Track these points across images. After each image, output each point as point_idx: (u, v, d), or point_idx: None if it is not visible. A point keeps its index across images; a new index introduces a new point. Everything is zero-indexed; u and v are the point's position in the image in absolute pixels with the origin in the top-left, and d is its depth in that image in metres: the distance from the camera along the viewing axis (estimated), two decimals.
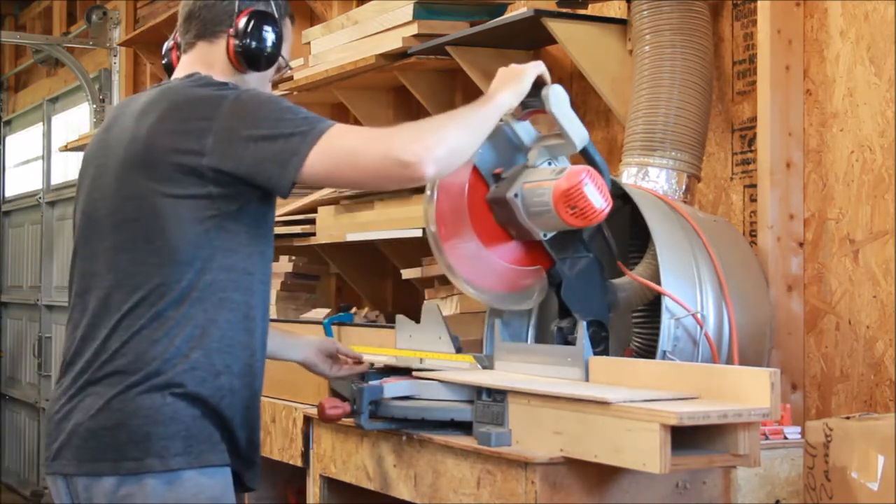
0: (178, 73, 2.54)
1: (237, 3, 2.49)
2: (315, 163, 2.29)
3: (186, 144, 2.33)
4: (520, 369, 2.74)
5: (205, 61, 2.51)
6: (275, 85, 2.81)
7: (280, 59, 2.55)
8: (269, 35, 2.50)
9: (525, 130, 2.75)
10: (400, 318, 3.14)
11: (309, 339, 2.87)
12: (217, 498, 2.36)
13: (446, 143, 2.32)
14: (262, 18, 2.49)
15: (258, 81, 2.54)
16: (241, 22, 2.48)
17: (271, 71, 2.57)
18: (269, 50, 2.50)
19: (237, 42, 2.48)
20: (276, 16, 2.52)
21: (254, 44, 2.48)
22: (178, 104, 2.39)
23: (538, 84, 2.57)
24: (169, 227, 2.34)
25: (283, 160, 2.29)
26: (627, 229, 2.99)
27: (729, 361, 2.80)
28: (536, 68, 2.57)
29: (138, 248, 2.37)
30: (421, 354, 3.05)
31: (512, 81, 2.53)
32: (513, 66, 2.58)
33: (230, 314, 2.39)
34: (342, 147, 2.29)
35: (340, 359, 2.85)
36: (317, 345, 2.85)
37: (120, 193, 2.40)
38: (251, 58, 2.49)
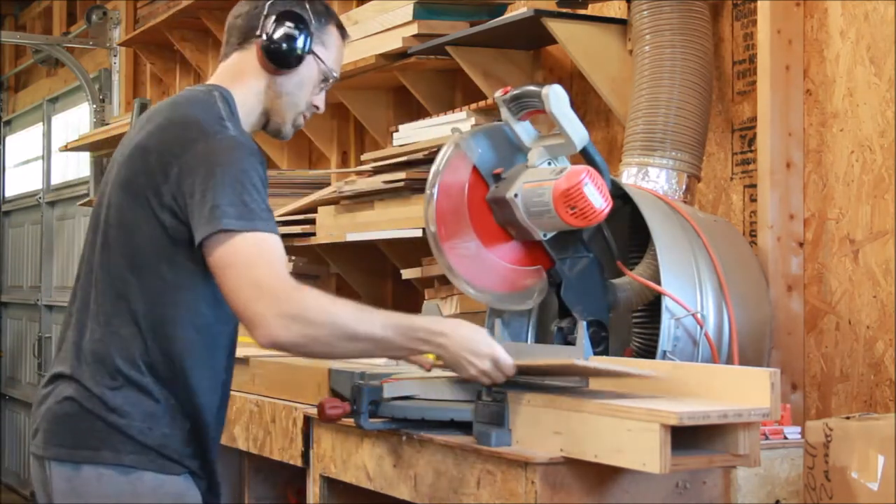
0: (209, 80, 2.57)
1: (267, 6, 2.50)
2: (215, 247, 2.27)
3: (154, 167, 2.36)
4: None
5: (236, 69, 2.52)
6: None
7: (320, 63, 2.53)
8: (296, 32, 2.47)
9: (525, 130, 2.75)
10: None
11: None
12: (180, 493, 2.40)
13: (314, 337, 2.27)
14: (288, 17, 2.48)
15: (295, 85, 2.53)
16: (269, 23, 2.48)
17: (313, 76, 2.54)
18: (297, 48, 2.48)
19: (264, 43, 2.48)
20: (308, 17, 2.51)
21: (280, 42, 2.47)
22: (171, 121, 2.42)
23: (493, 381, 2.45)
24: (130, 245, 2.39)
25: (203, 224, 2.28)
26: (627, 229, 2.99)
27: (729, 361, 2.80)
28: (505, 369, 2.43)
29: (116, 258, 2.41)
30: None
31: (459, 359, 2.41)
32: (484, 348, 2.43)
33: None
34: (251, 255, 2.26)
35: None
36: None
37: (113, 201, 2.44)
38: (277, 56, 2.47)
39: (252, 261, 2.26)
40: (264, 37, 2.47)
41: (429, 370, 2.67)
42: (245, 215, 2.27)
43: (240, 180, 2.29)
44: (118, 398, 2.36)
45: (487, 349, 2.42)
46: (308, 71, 2.52)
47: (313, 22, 2.51)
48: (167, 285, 2.37)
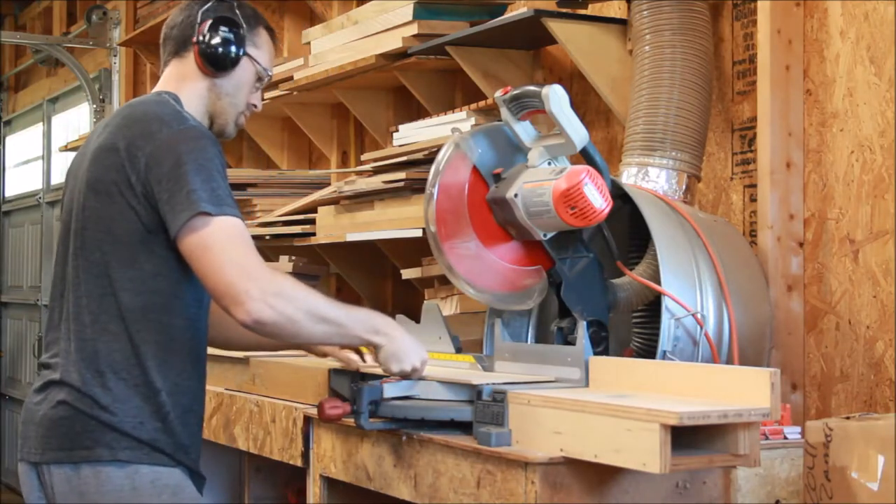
0: (154, 89, 2.69)
1: (199, 14, 2.63)
2: (192, 231, 2.36)
3: (123, 161, 2.45)
4: (520, 369, 2.75)
5: (177, 76, 2.65)
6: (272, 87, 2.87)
7: (255, 64, 2.66)
8: (230, 36, 2.61)
9: (525, 130, 2.75)
10: (400, 318, 3.13)
11: None
12: (177, 485, 2.48)
13: (291, 317, 2.38)
14: (221, 22, 2.62)
15: (234, 87, 2.65)
16: (204, 28, 2.61)
17: (249, 77, 2.67)
18: (231, 50, 2.61)
19: (201, 47, 2.61)
20: (239, 21, 2.63)
21: (216, 45, 2.60)
22: (130, 118, 2.52)
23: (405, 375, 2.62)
24: (108, 241, 2.46)
25: (178, 210, 2.37)
26: (627, 229, 2.99)
27: (729, 361, 2.80)
28: (421, 366, 2.61)
29: (96, 256, 2.48)
30: None
31: (400, 352, 2.58)
32: (411, 356, 2.60)
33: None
34: (229, 237, 2.37)
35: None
36: None
37: (87, 204, 2.50)
38: (214, 59, 2.61)
39: (231, 243, 2.37)
40: (200, 41, 2.61)
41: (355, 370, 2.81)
42: (215, 201, 2.38)
43: (206, 168, 2.40)
44: (108, 396, 2.44)
45: (422, 349, 2.63)
46: (244, 72, 2.65)
47: (244, 25, 2.64)
48: (146, 274, 2.46)
